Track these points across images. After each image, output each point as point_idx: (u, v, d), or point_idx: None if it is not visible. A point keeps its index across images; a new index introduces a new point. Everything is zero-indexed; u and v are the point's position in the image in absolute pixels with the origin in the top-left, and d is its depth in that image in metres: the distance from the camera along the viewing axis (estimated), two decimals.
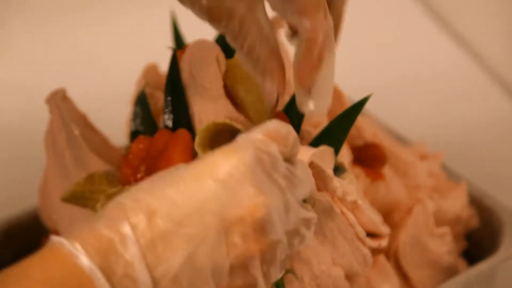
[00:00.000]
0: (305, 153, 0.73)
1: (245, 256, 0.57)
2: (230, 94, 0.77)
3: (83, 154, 0.79)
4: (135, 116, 0.81)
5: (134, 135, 0.79)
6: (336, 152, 0.77)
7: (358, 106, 0.76)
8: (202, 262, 0.56)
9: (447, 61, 1.33)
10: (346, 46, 1.34)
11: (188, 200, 0.56)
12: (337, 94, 0.85)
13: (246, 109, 0.77)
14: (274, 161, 0.59)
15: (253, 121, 0.76)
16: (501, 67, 1.29)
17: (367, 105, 0.78)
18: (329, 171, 0.75)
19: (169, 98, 0.77)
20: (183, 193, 0.56)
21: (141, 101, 0.81)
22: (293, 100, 0.77)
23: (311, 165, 0.74)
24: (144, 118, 0.80)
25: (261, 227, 0.57)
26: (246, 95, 0.76)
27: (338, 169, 0.78)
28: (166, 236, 0.55)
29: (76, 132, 0.79)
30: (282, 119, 0.75)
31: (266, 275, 0.59)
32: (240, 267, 0.57)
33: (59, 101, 0.79)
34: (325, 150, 0.75)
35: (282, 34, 0.80)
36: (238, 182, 0.57)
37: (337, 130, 0.77)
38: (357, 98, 0.95)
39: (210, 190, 0.57)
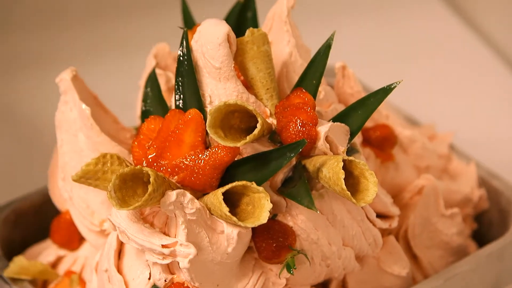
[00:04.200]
0: (323, 127, 0.73)
1: None
2: (241, 73, 0.77)
3: (94, 134, 0.79)
4: (145, 96, 0.81)
5: (144, 115, 0.79)
6: (355, 133, 0.77)
7: (385, 92, 0.75)
8: None
9: (457, 44, 1.33)
10: (359, 30, 1.34)
11: None
12: (347, 75, 0.85)
13: (257, 86, 0.76)
14: None
15: (263, 98, 0.77)
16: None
17: (376, 86, 0.78)
18: (342, 148, 0.75)
19: (179, 78, 0.77)
20: None
21: (152, 82, 0.81)
22: (302, 80, 0.77)
23: (327, 139, 0.74)
24: (154, 99, 0.80)
25: None
26: (257, 72, 0.76)
27: (351, 150, 0.78)
28: None
29: (87, 112, 0.79)
30: (302, 93, 0.75)
31: None
32: None
33: (70, 81, 0.79)
34: (340, 126, 0.76)
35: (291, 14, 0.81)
36: None
37: (360, 112, 0.77)
38: (366, 79, 0.96)
39: None
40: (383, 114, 0.88)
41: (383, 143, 0.85)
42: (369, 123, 0.86)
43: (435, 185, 0.86)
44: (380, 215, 0.81)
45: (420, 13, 1.38)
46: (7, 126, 1.17)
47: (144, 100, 0.80)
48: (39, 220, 0.90)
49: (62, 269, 0.85)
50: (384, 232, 0.83)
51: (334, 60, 0.85)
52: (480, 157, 0.96)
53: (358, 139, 0.83)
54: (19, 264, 0.84)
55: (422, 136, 0.92)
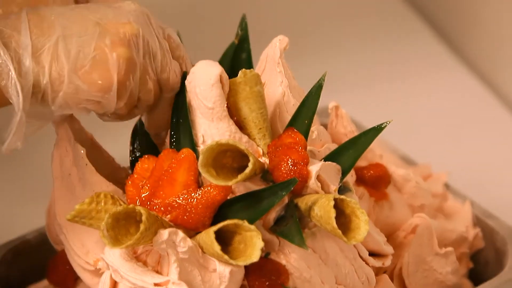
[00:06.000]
0: (314, 166, 0.74)
1: (105, 54, 0.73)
2: (233, 113, 0.78)
3: (89, 174, 0.80)
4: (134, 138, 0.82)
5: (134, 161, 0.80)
6: (346, 172, 0.78)
7: (376, 131, 0.77)
8: (72, 44, 0.72)
9: (454, 84, 1.34)
10: (353, 69, 1.35)
11: (78, 13, 0.74)
12: (340, 115, 0.86)
13: (250, 126, 0.78)
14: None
15: (256, 138, 0.78)
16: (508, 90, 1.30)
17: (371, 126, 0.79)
18: (334, 187, 0.76)
19: (173, 119, 0.78)
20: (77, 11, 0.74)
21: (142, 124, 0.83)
22: (294, 119, 0.79)
23: (318, 178, 0.75)
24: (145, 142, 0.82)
25: (127, 42, 0.73)
26: (249, 112, 0.77)
27: (343, 189, 0.79)
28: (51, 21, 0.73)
29: (83, 152, 0.80)
30: (293, 133, 0.76)
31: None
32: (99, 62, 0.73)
33: (66, 121, 0.81)
34: (332, 166, 0.77)
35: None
36: (124, 10, 0.75)
37: (351, 151, 0.78)
38: (361, 119, 0.97)
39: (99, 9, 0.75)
40: (377, 153, 0.89)
41: (376, 182, 0.86)
42: (362, 163, 0.87)
43: (429, 223, 0.86)
44: (373, 254, 0.81)
45: (416, 52, 1.39)
46: (4, 165, 1.18)
47: (132, 144, 0.82)
48: (36, 260, 0.90)
49: None
50: (379, 271, 0.83)
51: (328, 100, 0.86)
52: (475, 197, 0.97)
53: (351, 178, 0.83)
54: None
55: (416, 175, 0.92)
